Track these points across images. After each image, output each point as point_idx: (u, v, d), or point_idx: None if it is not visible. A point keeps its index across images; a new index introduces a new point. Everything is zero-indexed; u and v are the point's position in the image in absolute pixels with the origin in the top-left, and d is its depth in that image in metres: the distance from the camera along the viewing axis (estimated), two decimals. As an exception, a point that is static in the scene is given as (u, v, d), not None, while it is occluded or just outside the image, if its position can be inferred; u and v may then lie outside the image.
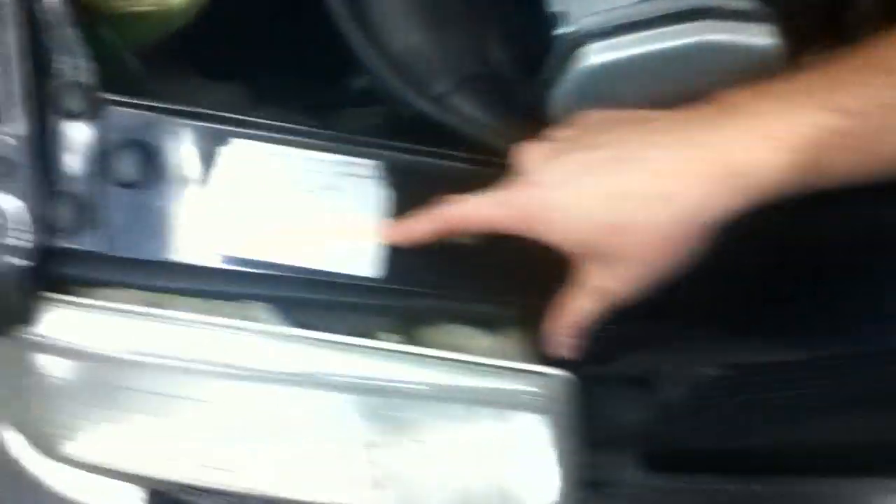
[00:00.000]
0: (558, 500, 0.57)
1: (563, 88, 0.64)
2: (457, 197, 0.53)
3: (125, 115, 0.59)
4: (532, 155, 0.50)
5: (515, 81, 0.70)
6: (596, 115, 0.51)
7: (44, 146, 0.55)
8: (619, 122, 0.49)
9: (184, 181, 0.58)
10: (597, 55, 0.59)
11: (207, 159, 0.58)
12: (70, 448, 0.59)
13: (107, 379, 0.57)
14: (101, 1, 0.61)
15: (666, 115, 0.47)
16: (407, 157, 0.60)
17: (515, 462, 0.60)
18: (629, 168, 0.45)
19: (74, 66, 0.58)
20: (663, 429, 0.67)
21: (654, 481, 0.71)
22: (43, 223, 0.53)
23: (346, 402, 0.58)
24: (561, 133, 0.51)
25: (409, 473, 0.60)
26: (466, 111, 0.67)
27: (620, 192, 0.45)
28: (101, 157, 0.57)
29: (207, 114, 0.59)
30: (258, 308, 0.57)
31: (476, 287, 0.58)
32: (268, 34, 0.79)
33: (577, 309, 0.49)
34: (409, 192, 0.59)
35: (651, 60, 0.59)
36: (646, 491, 0.71)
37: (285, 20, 0.78)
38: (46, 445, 0.58)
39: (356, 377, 0.56)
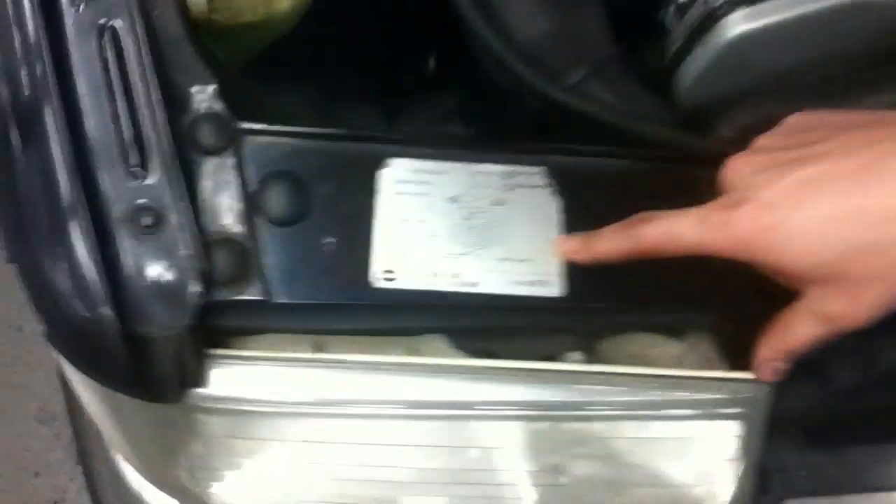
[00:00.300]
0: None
1: (699, 63, 0.60)
2: (654, 214, 0.48)
3: (267, 145, 0.53)
4: (744, 169, 0.45)
5: (645, 61, 0.66)
6: (802, 119, 0.47)
7: (190, 190, 0.49)
8: (836, 127, 0.44)
9: (342, 211, 0.52)
10: (741, 24, 0.56)
11: (364, 184, 0.53)
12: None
13: (278, 431, 0.52)
14: (206, 16, 0.54)
15: (892, 117, 0.43)
16: (573, 159, 0.55)
17: (706, 465, 0.57)
18: (868, 181, 0.40)
19: (203, 93, 0.52)
20: (829, 408, 0.65)
21: (813, 458, 0.70)
22: (201, 276, 0.48)
23: (533, 428, 0.54)
24: (769, 141, 0.47)
25: (598, 494, 0.58)
26: (606, 97, 0.62)
27: (862, 210, 0.40)
28: (250, 195, 0.51)
29: (356, 135, 0.54)
30: (436, 341, 0.53)
31: (663, 296, 0.54)
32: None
33: (800, 335, 0.45)
34: (582, 199, 0.54)
35: (801, 25, 0.55)
36: (804, 470, 0.69)
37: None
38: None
39: (542, 402, 0.53)
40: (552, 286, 0.52)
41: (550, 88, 0.59)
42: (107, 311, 0.46)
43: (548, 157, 0.55)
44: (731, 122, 0.63)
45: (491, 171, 0.55)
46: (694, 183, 0.55)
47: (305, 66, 0.74)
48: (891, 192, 0.40)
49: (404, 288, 0.51)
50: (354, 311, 0.52)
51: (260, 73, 0.67)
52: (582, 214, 0.54)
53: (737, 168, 0.45)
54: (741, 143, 0.62)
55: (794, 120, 0.47)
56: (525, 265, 0.53)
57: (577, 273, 0.53)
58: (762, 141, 0.47)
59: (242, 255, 0.50)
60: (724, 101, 0.63)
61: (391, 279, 0.51)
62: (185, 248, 0.48)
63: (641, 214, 0.48)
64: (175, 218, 0.49)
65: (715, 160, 0.48)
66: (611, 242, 0.49)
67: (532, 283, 0.52)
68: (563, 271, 0.53)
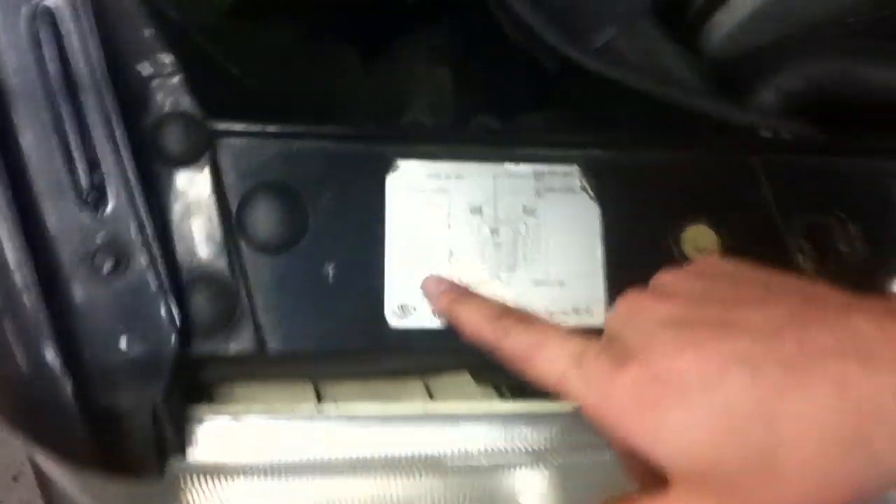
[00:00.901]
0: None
1: (738, 9, 0.53)
2: (535, 324, 0.40)
3: (250, 149, 0.43)
4: (643, 312, 0.34)
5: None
6: (725, 267, 0.37)
7: (158, 216, 0.40)
8: (765, 288, 0.33)
9: (344, 229, 0.43)
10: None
11: (370, 194, 0.44)
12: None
13: (280, 498, 0.44)
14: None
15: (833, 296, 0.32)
16: (612, 153, 0.47)
17: None
18: (792, 381, 0.29)
19: (167, 86, 0.41)
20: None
21: None
22: (178, 328, 0.39)
23: (571, 475, 0.48)
24: (680, 284, 0.35)
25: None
26: (636, 59, 0.53)
27: (789, 411, 0.29)
28: (232, 216, 0.42)
29: (357, 133, 0.44)
30: (460, 379, 0.45)
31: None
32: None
33: None
34: (627, 202, 0.46)
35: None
36: None
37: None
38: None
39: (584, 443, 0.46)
40: (596, 314, 0.44)
41: (575, 51, 0.50)
42: (65, 381, 0.36)
43: (582, 151, 0.46)
44: (773, 88, 0.55)
45: (518, 173, 0.46)
46: (753, 177, 0.47)
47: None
48: (820, 405, 0.28)
49: (424, 327, 0.43)
50: (366, 354, 0.43)
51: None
52: (628, 223, 0.46)
53: (635, 307, 0.35)
54: (784, 113, 0.54)
55: (714, 263, 0.37)
56: (564, 290, 0.45)
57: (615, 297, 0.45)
58: (672, 281, 0.36)
59: (227, 295, 0.41)
60: (759, 56, 0.56)
61: (408, 315, 0.43)
62: (156, 293, 0.39)
63: (522, 315, 0.39)
64: (142, 256, 0.39)
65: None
66: (475, 317, 0.40)
67: (574, 311, 0.44)
68: (608, 296, 0.45)
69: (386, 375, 0.46)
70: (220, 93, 0.47)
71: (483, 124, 0.60)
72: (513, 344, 0.38)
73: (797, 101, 0.55)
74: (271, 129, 0.43)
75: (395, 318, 0.43)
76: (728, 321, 0.31)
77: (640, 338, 0.33)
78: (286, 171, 0.43)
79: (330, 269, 0.43)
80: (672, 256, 0.46)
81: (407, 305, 0.43)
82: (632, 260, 0.45)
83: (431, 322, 0.43)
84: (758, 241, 0.46)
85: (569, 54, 0.50)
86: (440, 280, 0.43)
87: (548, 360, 0.36)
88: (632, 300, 0.35)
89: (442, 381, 0.46)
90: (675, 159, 0.48)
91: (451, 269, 0.44)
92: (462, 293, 0.42)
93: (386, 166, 0.44)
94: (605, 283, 0.45)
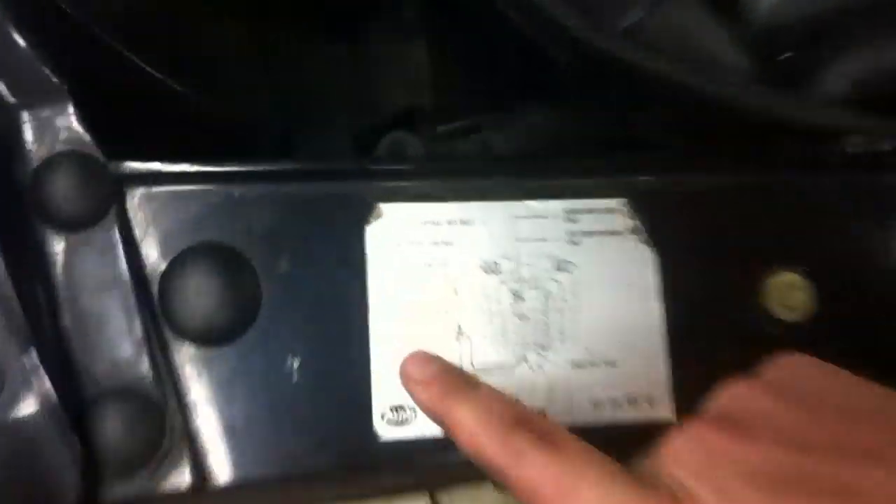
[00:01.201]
0: None
1: None
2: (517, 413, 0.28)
3: (174, 198, 0.30)
4: (720, 466, 0.25)
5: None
6: (834, 380, 0.28)
7: (50, 304, 0.28)
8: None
9: (310, 305, 0.31)
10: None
11: (343, 252, 0.32)
12: None
13: None
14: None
15: None
16: (666, 178, 0.35)
17: None
18: None
19: (54, 120, 0.29)
20: None
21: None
22: (78, 469, 0.27)
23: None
24: (770, 407, 0.26)
25: None
26: (670, 42, 0.41)
27: None
28: (154, 298, 0.30)
29: (321, 169, 0.32)
30: (479, 494, 0.33)
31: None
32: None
33: None
34: (691, 247, 0.34)
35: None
36: None
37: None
38: None
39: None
40: (659, 404, 0.33)
41: (595, 35, 0.37)
42: None
43: (629, 177, 0.34)
44: (840, 76, 0.43)
45: (544, 212, 0.34)
46: (857, 205, 0.35)
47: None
48: None
49: (425, 436, 0.31)
50: (350, 476, 0.31)
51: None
52: (695, 273, 0.34)
53: (708, 450, 0.25)
54: (857, 103, 0.41)
55: (809, 371, 0.28)
56: (615, 372, 0.33)
57: (693, 379, 0.33)
58: (757, 404, 0.27)
59: (151, 413, 0.29)
60: (810, 30, 0.43)
61: (406, 422, 0.31)
62: (48, 422, 0.27)
63: (546, 428, 0.27)
64: (23, 370, 0.27)
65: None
66: (475, 425, 0.28)
67: (628, 402, 0.33)
68: (672, 377, 0.33)
69: (379, 493, 0.34)
70: (144, 119, 0.35)
71: (473, 124, 0.47)
72: (528, 475, 0.26)
73: (870, 93, 0.42)
74: (204, 169, 0.31)
75: (386, 428, 0.31)
76: (849, 486, 0.23)
77: (701, 485, 0.24)
78: (228, 228, 0.31)
79: (294, 364, 0.31)
80: (755, 316, 0.34)
81: (403, 408, 0.32)
82: (702, 324, 0.34)
83: (432, 428, 0.31)
84: (866, 296, 0.35)
85: (588, 40, 0.37)
86: (426, 360, 0.31)
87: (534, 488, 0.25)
88: (700, 437, 0.25)
89: (457, 496, 0.34)
90: (753, 185, 0.35)
91: (460, 351, 0.32)
92: (458, 383, 0.29)
93: (365, 213, 0.32)
94: (667, 359, 0.33)
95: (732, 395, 0.27)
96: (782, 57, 0.43)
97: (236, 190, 0.32)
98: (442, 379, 0.30)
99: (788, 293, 0.35)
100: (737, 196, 0.35)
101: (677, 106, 0.38)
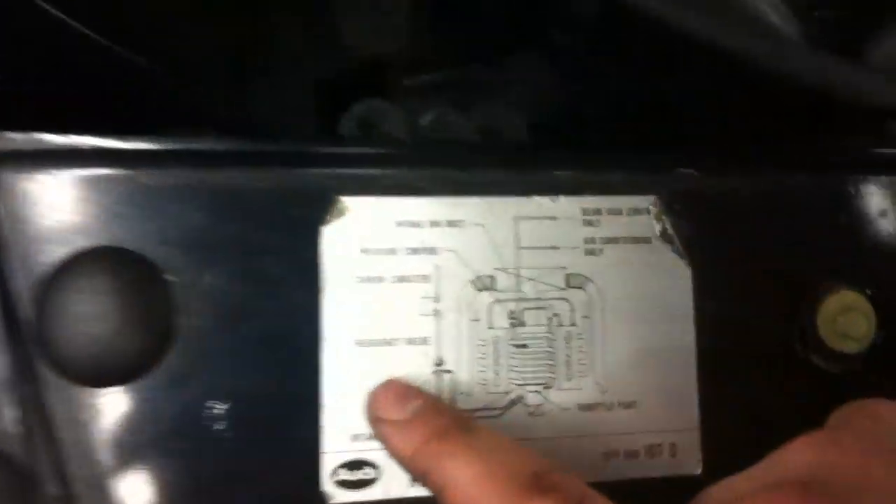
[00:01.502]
0: None
1: None
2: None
3: (58, 186, 0.22)
4: None
5: None
6: None
7: None
8: None
9: (244, 334, 0.24)
10: None
11: (289, 261, 0.24)
12: None
13: None
14: None
15: None
16: (708, 177, 0.27)
17: None
18: None
19: None
20: None
21: None
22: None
23: None
24: (858, 476, 0.21)
25: None
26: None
27: None
28: (30, 321, 0.22)
29: (257, 150, 0.24)
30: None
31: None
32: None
33: None
34: (737, 251, 0.27)
35: None
36: None
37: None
38: None
39: None
40: (687, 454, 0.26)
41: None
42: None
43: (661, 173, 0.27)
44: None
45: (556, 212, 0.26)
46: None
47: None
48: None
49: (396, 498, 0.24)
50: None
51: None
52: (737, 292, 0.27)
53: None
54: None
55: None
56: (634, 415, 0.26)
57: (728, 425, 0.27)
58: (835, 467, 0.21)
59: (16, 486, 0.21)
60: None
61: (362, 483, 0.24)
62: None
63: (573, 488, 0.21)
64: None
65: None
66: (475, 487, 0.21)
67: (649, 453, 0.26)
68: (703, 426, 0.26)
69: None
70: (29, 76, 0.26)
71: (460, 78, 0.38)
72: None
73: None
74: (103, 144, 0.23)
75: (338, 490, 0.24)
76: None
77: None
78: (134, 228, 0.23)
79: (218, 409, 0.23)
80: (805, 346, 0.28)
81: (363, 464, 0.24)
82: (743, 356, 0.27)
83: (402, 490, 0.24)
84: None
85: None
86: (404, 392, 0.24)
87: None
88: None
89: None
90: (810, 186, 0.28)
91: (439, 390, 0.25)
92: (450, 426, 0.22)
93: (321, 209, 0.24)
94: (698, 400, 0.26)
95: (819, 451, 0.21)
96: (828, 15, 0.35)
97: (147, 176, 0.23)
98: (427, 419, 0.22)
99: (847, 319, 0.28)
100: (790, 199, 0.28)
101: (715, 72, 0.30)
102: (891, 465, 0.21)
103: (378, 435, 0.23)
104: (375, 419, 0.23)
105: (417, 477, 0.22)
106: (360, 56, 0.37)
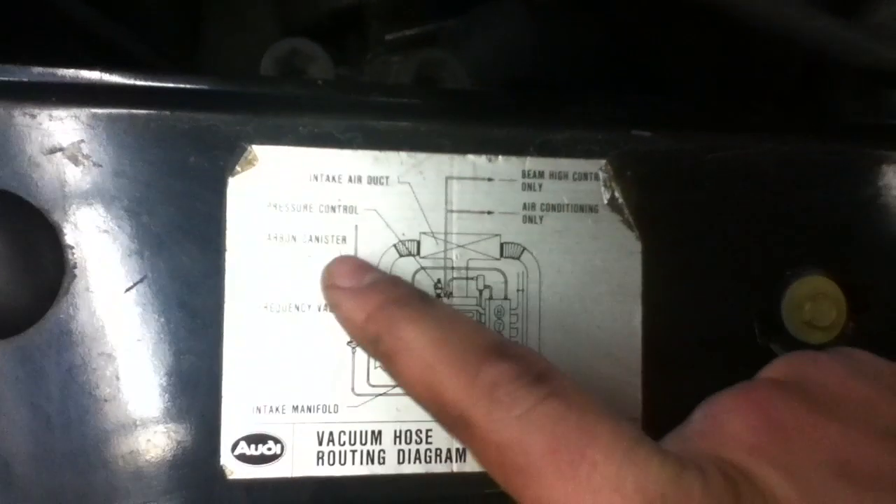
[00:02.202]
0: None
1: None
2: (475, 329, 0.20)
3: None
4: (795, 445, 0.19)
5: None
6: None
7: None
8: None
9: (138, 290, 0.22)
10: None
11: (191, 215, 0.22)
12: None
13: None
14: None
15: None
16: (664, 138, 0.25)
17: None
18: None
19: None
20: None
21: None
22: None
23: None
24: (851, 388, 0.21)
25: None
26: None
27: None
28: None
29: (153, 85, 0.22)
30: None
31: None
32: None
33: None
34: (693, 225, 0.25)
35: None
36: None
37: None
38: None
39: None
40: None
41: None
42: None
43: (613, 131, 0.24)
44: None
45: (493, 172, 0.24)
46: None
47: None
48: None
49: (297, 480, 0.22)
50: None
51: None
52: (692, 270, 0.25)
53: (782, 419, 0.19)
54: None
55: (867, 360, 0.22)
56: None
57: (671, 410, 0.24)
58: (836, 377, 0.21)
59: None
60: None
61: (264, 458, 0.22)
62: None
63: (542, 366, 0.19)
64: None
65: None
66: (356, 305, 0.21)
67: (580, 446, 0.23)
68: (646, 409, 0.24)
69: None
70: None
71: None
72: (509, 432, 0.18)
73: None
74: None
75: (238, 465, 0.22)
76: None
77: (796, 491, 0.18)
78: (17, 170, 0.21)
79: (106, 369, 0.21)
80: (767, 333, 0.25)
81: (266, 438, 0.22)
82: (693, 338, 0.25)
83: (309, 467, 0.22)
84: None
85: None
86: (360, 265, 0.22)
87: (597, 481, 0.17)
88: (765, 408, 0.20)
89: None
90: (783, 155, 0.25)
91: (352, 364, 0.23)
92: (407, 295, 0.20)
93: (228, 157, 0.22)
94: (641, 381, 0.24)
95: (797, 363, 0.22)
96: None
97: (32, 110, 0.21)
98: (384, 288, 0.21)
99: (815, 306, 0.25)
100: (759, 169, 0.25)
101: (703, 27, 0.27)
102: (870, 387, 0.20)
103: (330, 301, 0.22)
104: (329, 286, 0.22)
105: (366, 344, 0.20)
106: (337, 6, 0.34)
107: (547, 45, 0.34)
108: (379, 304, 0.20)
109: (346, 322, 0.21)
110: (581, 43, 0.34)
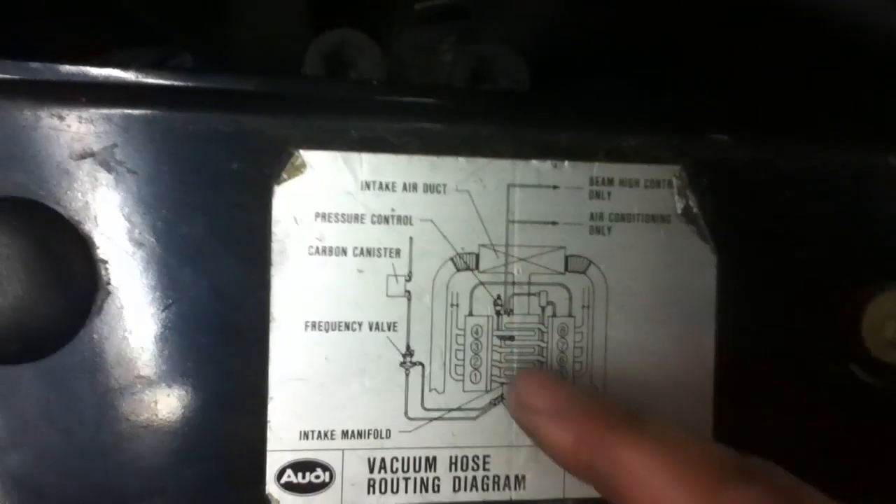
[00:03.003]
0: None
1: None
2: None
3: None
4: None
5: None
6: None
7: None
8: None
9: (180, 303, 0.20)
10: None
11: (233, 226, 0.20)
12: None
13: None
14: None
15: None
16: (750, 144, 0.23)
17: None
18: None
19: None
20: None
21: None
22: None
23: None
24: None
25: None
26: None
27: None
28: None
29: (194, 86, 0.20)
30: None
31: None
32: None
33: None
34: (770, 238, 0.23)
35: None
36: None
37: None
38: None
39: None
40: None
41: None
42: None
43: (688, 137, 0.22)
44: None
45: (558, 179, 0.22)
46: None
47: None
48: None
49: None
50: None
51: None
52: (768, 289, 0.23)
53: None
54: None
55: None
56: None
57: (742, 447, 0.22)
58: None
59: None
60: None
61: (313, 487, 0.20)
62: None
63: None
64: None
65: None
66: (564, 432, 0.19)
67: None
68: (716, 435, 0.22)
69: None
70: None
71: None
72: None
73: None
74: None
75: (284, 495, 0.21)
76: None
77: None
78: (44, 176, 0.19)
79: (145, 398, 0.20)
80: (846, 353, 0.23)
81: (312, 464, 0.21)
82: (771, 361, 0.23)
83: (365, 498, 0.21)
84: None
85: None
86: (549, 380, 0.20)
87: None
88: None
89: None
90: (866, 167, 0.24)
91: (405, 385, 0.21)
92: (615, 414, 0.19)
93: (274, 165, 0.20)
94: (713, 406, 0.22)
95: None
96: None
97: (61, 111, 0.19)
98: (586, 406, 0.19)
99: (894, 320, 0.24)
100: (840, 178, 0.23)
101: (759, 12, 0.25)
102: None
103: (526, 425, 0.20)
104: (521, 406, 0.20)
105: (578, 470, 0.19)
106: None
107: (584, 19, 0.32)
108: (586, 423, 0.18)
109: (551, 449, 0.19)
110: (614, 25, 0.32)
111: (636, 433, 0.18)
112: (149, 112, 0.20)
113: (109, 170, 0.20)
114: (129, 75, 0.20)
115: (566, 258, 0.22)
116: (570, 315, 0.22)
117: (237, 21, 0.36)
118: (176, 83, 0.20)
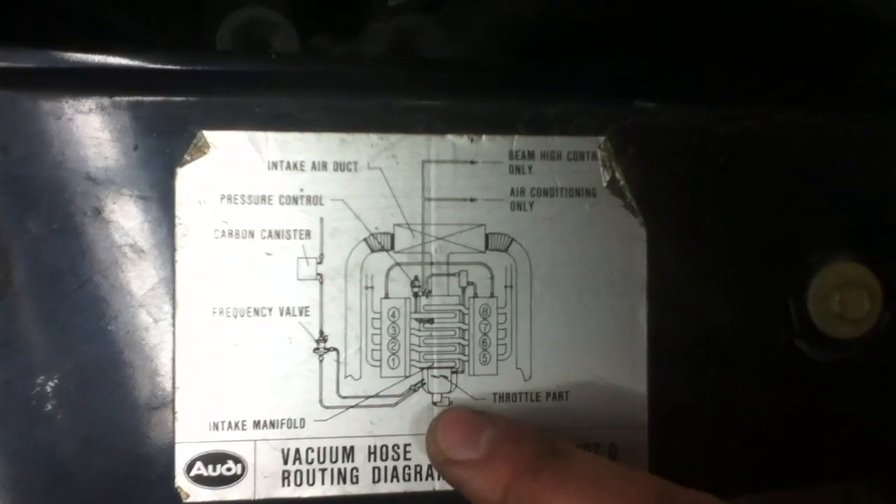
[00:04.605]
0: None
1: None
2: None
3: None
4: None
5: None
6: None
7: None
8: None
9: (83, 292, 0.19)
10: None
11: (138, 209, 0.19)
12: None
13: None
14: None
15: None
16: (677, 107, 0.22)
17: None
18: None
19: None
20: None
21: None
22: None
23: None
24: None
25: None
26: None
27: None
28: None
29: (88, 65, 0.19)
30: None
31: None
32: None
33: None
34: (701, 209, 0.22)
35: None
36: None
37: None
38: None
39: None
40: (636, 463, 0.21)
41: None
42: None
43: (612, 102, 0.22)
44: None
45: (476, 153, 0.21)
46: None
47: None
48: None
49: (265, 498, 0.20)
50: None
51: None
52: (703, 258, 0.22)
53: None
54: None
55: None
56: (566, 408, 0.22)
57: (677, 425, 0.22)
58: None
59: None
60: None
61: (224, 479, 0.20)
62: None
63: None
64: None
65: None
66: (487, 479, 0.18)
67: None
68: (652, 421, 0.21)
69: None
70: None
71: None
72: None
73: None
74: None
75: (194, 488, 0.20)
76: None
77: None
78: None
79: (48, 388, 0.19)
80: (791, 328, 0.22)
81: (223, 456, 0.20)
82: (709, 337, 0.22)
83: (278, 490, 0.20)
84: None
85: None
86: (470, 422, 0.19)
87: None
88: None
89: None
90: (802, 125, 0.22)
91: (320, 372, 0.20)
92: (537, 457, 0.18)
93: (177, 145, 0.20)
94: (648, 389, 0.21)
95: None
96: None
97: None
98: (508, 450, 0.18)
99: (846, 296, 0.23)
100: (780, 144, 0.22)
101: None
102: None
103: (452, 480, 0.19)
104: (445, 462, 0.19)
105: None
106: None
107: (556, 11, 0.31)
108: (513, 475, 0.18)
109: (479, 502, 0.18)
110: (591, 10, 0.31)
111: (561, 480, 0.17)
112: (44, 94, 0.19)
113: (6, 153, 0.19)
114: (24, 55, 0.19)
115: (486, 236, 0.21)
116: (492, 295, 0.21)
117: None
118: (70, 63, 0.20)
